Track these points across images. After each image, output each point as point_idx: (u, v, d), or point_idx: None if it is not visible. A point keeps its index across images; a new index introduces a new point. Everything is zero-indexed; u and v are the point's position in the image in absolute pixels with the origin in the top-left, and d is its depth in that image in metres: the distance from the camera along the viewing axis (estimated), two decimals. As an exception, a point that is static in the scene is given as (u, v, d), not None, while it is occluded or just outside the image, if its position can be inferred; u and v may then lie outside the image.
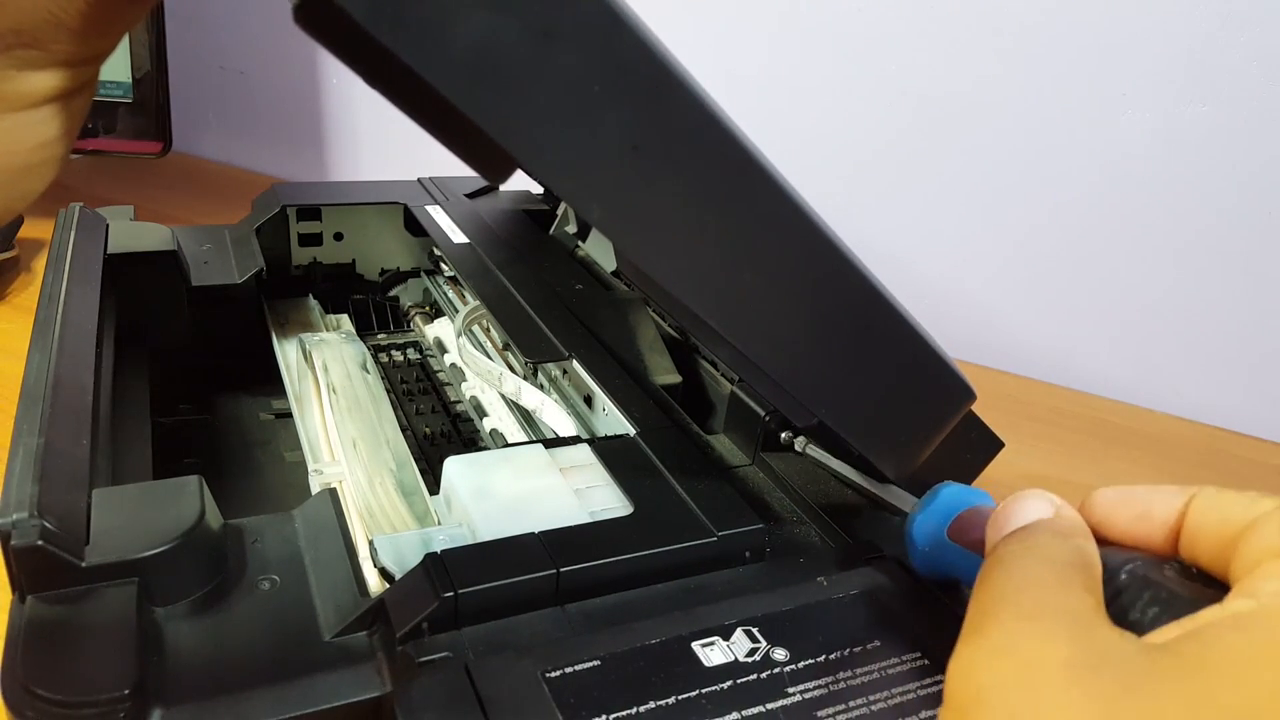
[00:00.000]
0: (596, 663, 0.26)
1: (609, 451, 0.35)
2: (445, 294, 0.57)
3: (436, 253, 0.57)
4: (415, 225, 0.56)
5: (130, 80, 0.75)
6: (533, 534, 0.29)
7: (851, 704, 0.25)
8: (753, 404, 0.40)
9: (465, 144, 0.24)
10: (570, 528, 0.30)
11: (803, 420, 0.33)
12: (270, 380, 0.49)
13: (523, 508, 0.32)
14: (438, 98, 0.22)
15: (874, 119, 0.72)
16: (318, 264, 0.57)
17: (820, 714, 0.25)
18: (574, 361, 0.42)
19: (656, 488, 0.33)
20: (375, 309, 0.59)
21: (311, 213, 0.56)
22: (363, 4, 0.20)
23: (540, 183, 0.24)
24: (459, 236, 0.52)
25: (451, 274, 0.57)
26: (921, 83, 0.69)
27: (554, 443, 0.36)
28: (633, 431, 0.37)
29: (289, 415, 0.45)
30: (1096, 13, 0.62)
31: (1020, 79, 0.66)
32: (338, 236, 0.57)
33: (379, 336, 0.57)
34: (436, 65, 0.21)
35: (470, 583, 0.27)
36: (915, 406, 0.33)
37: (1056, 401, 0.67)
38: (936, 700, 0.26)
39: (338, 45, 0.22)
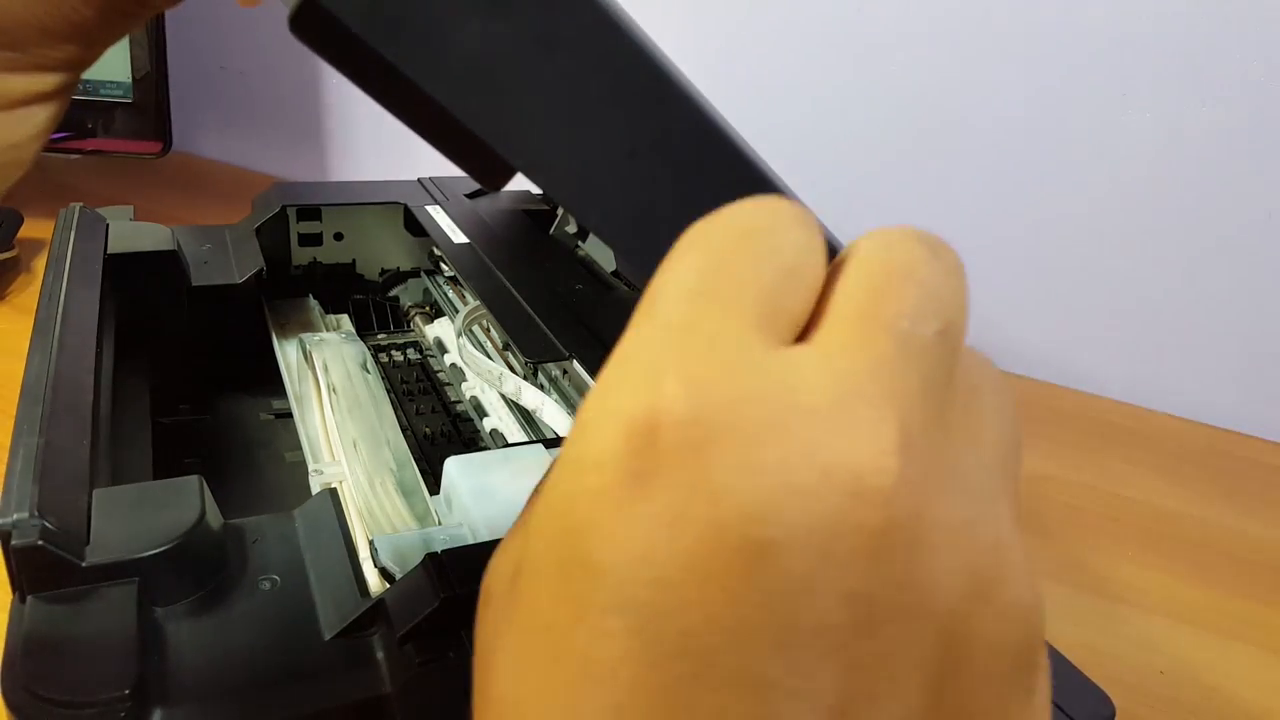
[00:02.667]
0: (597, 663, 0.25)
1: (609, 451, 0.35)
2: (445, 294, 0.57)
3: (436, 253, 0.57)
4: (415, 225, 0.56)
5: (130, 80, 0.75)
6: (533, 534, 0.29)
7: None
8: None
9: (463, 151, 0.25)
10: (571, 528, 0.30)
11: None
12: (270, 380, 0.49)
13: (523, 508, 0.32)
14: (434, 105, 0.22)
15: (874, 118, 0.72)
16: (318, 264, 0.57)
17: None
18: (574, 361, 0.42)
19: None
20: (375, 309, 0.59)
21: (311, 213, 0.56)
22: (359, 15, 0.20)
23: (539, 188, 0.24)
24: (459, 236, 0.52)
25: (451, 274, 0.57)
26: (922, 81, 0.69)
27: (554, 443, 0.36)
28: (633, 431, 0.37)
29: (289, 415, 0.45)
30: (1096, 13, 0.62)
31: (1021, 79, 0.66)
32: (338, 236, 0.57)
33: (379, 336, 0.57)
34: (434, 75, 0.21)
35: (471, 583, 0.27)
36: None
37: (1056, 401, 0.67)
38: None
39: (334, 54, 0.22)
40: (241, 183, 0.95)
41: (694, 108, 0.25)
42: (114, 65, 0.75)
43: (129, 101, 0.76)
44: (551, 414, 0.43)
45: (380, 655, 0.26)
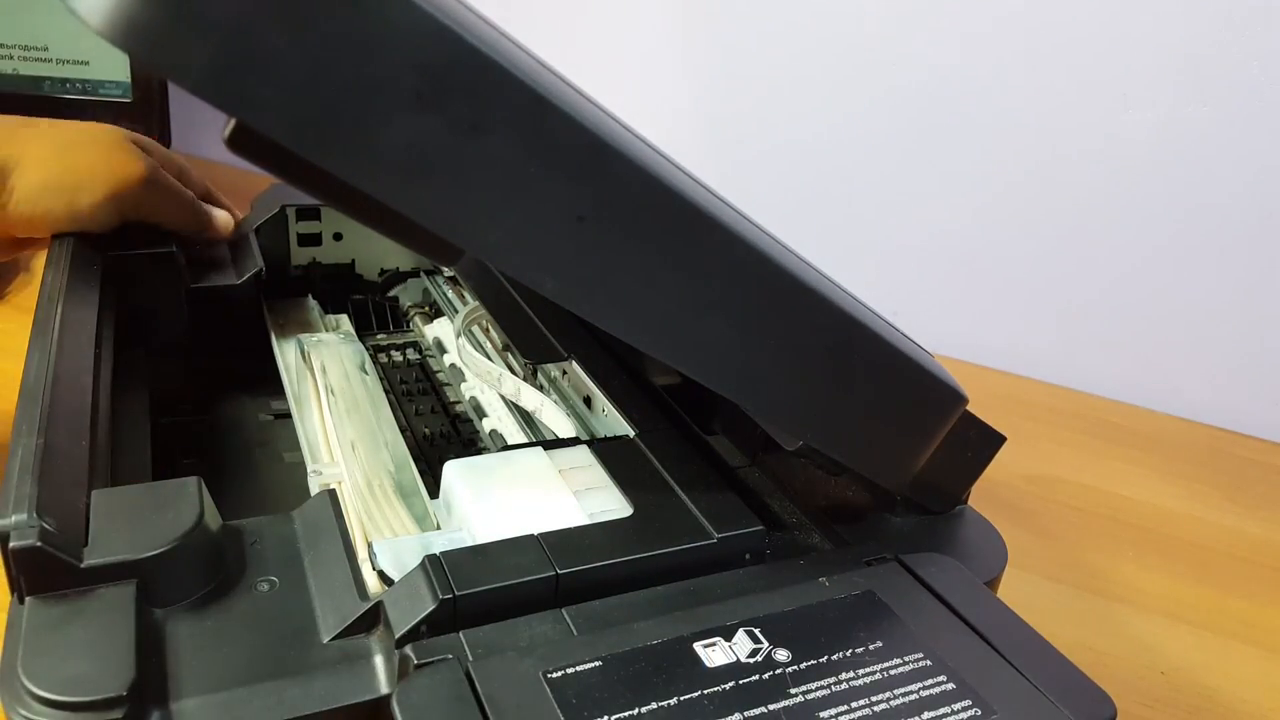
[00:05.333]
0: (598, 663, 0.25)
1: (608, 453, 0.35)
2: (445, 294, 0.57)
3: (436, 253, 0.56)
4: (415, 225, 0.56)
5: (130, 80, 0.75)
6: (532, 536, 0.29)
7: (854, 704, 0.25)
8: (753, 404, 0.39)
9: (414, 236, 0.25)
10: (569, 530, 0.30)
11: (789, 444, 0.33)
12: (270, 381, 0.49)
13: (522, 510, 0.32)
14: (376, 200, 0.22)
15: (874, 118, 0.72)
16: (317, 264, 0.57)
17: (823, 715, 0.25)
18: (573, 362, 0.42)
19: (656, 489, 0.33)
20: (375, 309, 0.58)
21: (311, 212, 0.56)
22: (287, 127, 0.20)
23: (490, 264, 0.25)
24: (458, 237, 0.52)
25: (451, 274, 0.57)
26: (923, 80, 0.69)
27: (553, 444, 0.36)
28: (632, 433, 0.37)
29: (288, 416, 0.45)
30: (1096, 13, 0.62)
31: (1021, 79, 0.66)
32: (337, 236, 0.57)
33: (378, 337, 0.57)
34: (368, 174, 0.22)
35: (469, 585, 0.27)
36: (902, 420, 0.33)
37: (1056, 401, 0.67)
38: (940, 701, 0.26)
39: (273, 166, 0.23)
40: (241, 183, 0.95)
41: (634, 164, 0.25)
42: (114, 65, 0.75)
43: (128, 101, 0.76)
44: (550, 415, 0.43)
45: (378, 657, 0.26)
